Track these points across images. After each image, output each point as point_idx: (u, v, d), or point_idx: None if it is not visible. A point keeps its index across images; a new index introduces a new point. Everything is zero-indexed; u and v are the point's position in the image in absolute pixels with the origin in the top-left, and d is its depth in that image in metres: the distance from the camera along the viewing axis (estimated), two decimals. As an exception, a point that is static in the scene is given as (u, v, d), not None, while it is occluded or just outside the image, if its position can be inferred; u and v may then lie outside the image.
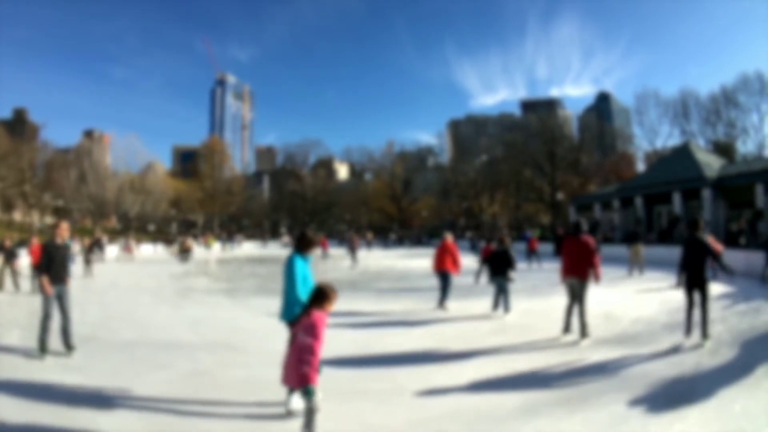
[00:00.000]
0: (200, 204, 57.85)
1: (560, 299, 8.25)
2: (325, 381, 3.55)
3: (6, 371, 4.62)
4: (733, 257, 12.13)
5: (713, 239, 5.72)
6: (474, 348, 5.44)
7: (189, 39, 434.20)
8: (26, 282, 11.70)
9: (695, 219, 5.85)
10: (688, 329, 5.60)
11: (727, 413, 3.44)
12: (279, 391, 3.94)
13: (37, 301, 9.08)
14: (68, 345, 5.31)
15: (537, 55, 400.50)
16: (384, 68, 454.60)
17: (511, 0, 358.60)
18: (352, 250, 20.16)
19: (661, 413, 3.45)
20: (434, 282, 8.60)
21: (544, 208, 47.44)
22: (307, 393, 2.83)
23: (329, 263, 20.37)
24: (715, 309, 6.29)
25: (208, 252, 32.34)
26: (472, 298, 9.31)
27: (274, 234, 55.30)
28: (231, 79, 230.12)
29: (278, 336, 6.22)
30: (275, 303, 8.80)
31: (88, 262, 15.60)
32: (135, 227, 50.46)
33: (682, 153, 24.92)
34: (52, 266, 5.27)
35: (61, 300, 5.36)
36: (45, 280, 5.21)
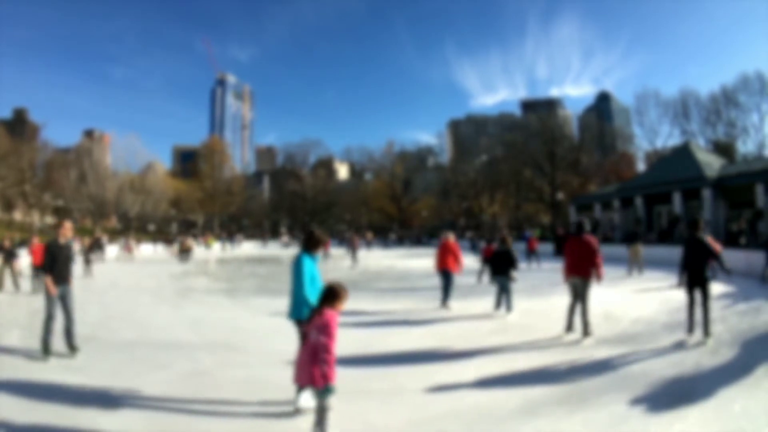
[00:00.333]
0: (200, 204, 57.86)
1: (560, 299, 8.27)
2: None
3: (6, 371, 4.62)
4: (733, 257, 12.12)
5: (711, 239, 5.79)
6: (475, 348, 5.44)
7: (189, 39, 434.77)
8: (26, 282, 11.71)
9: (695, 219, 5.90)
10: (691, 327, 5.68)
11: (727, 413, 3.44)
12: (279, 391, 3.95)
13: (37, 301, 9.12)
14: (72, 346, 5.23)
15: (537, 55, 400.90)
16: (384, 68, 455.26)
17: (511, 0, 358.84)
18: (353, 250, 20.18)
19: (661, 413, 3.45)
20: (434, 282, 8.61)
21: (544, 208, 47.45)
22: (328, 391, 2.88)
23: (329, 263, 20.36)
24: (715, 309, 6.30)
25: (208, 252, 32.35)
26: (473, 297, 9.32)
27: (274, 234, 55.26)
28: (231, 79, 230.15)
29: (278, 336, 6.24)
30: (275, 303, 8.87)
31: (87, 262, 15.61)
32: (135, 227, 50.49)
33: (682, 153, 24.91)
34: (55, 266, 5.20)
35: (65, 301, 5.29)
36: (49, 280, 5.13)
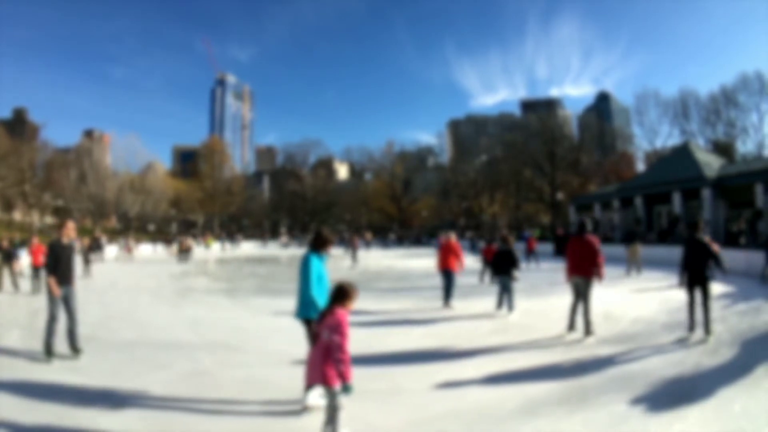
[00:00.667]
0: (200, 204, 57.84)
1: (559, 299, 8.28)
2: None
3: (6, 371, 4.62)
4: (733, 257, 12.14)
5: (710, 240, 5.90)
6: (474, 348, 5.45)
7: (189, 39, 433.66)
8: (26, 282, 11.71)
9: (695, 220, 6.09)
10: (692, 325, 5.78)
11: (727, 413, 3.44)
12: (279, 391, 3.96)
13: (36, 302, 9.13)
14: (75, 348, 5.16)
15: (537, 55, 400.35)
16: (384, 68, 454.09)
17: (511, 0, 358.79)
18: (352, 250, 20.20)
19: (661, 413, 3.45)
20: (434, 282, 8.62)
21: (544, 208, 47.47)
22: (347, 390, 2.89)
23: (329, 263, 20.30)
24: (715, 309, 6.32)
25: (207, 252, 32.34)
26: (473, 297, 9.32)
27: (274, 234, 55.27)
28: (231, 79, 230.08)
29: (278, 336, 6.25)
30: (275, 303, 8.87)
31: (87, 262, 15.60)
32: (135, 227, 50.48)
33: (682, 153, 24.91)
34: (58, 267, 5.11)
35: (68, 302, 5.20)
36: (53, 281, 5.05)
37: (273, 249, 39.11)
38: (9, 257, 11.42)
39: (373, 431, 3.28)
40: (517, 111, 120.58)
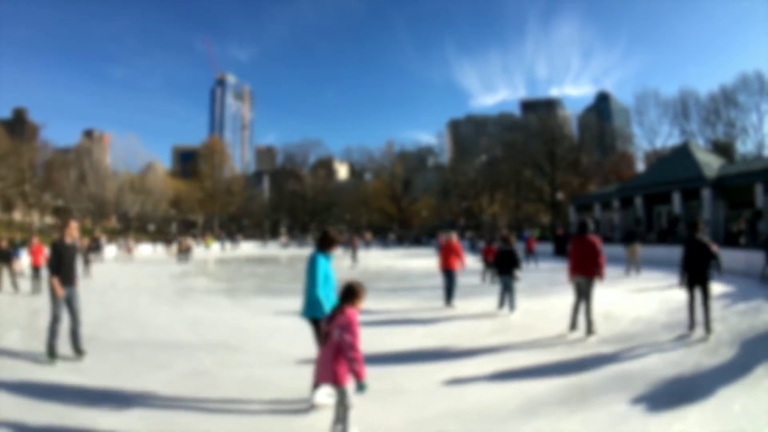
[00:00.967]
0: (200, 204, 57.78)
1: (559, 299, 8.29)
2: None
3: (6, 371, 4.61)
4: (732, 257, 12.15)
5: (708, 240, 5.96)
6: (474, 347, 5.45)
7: (189, 39, 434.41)
8: (26, 282, 11.70)
9: (695, 221, 6.11)
10: (692, 324, 5.84)
11: (727, 413, 3.44)
12: (279, 391, 3.96)
13: (36, 302, 9.13)
14: (78, 349, 5.11)
15: (537, 55, 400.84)
16: (384, 68, 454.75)
17: (511, 0, 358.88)
18: (352, 250, 20.21)
19: (661, 413, 3.45)
20: (434, 282, 8.63)
21: (544, 208, 47.46)
22: (362, 388, 2.89)
23: (329, 263, 20.33)
24: (715, 309, 6.33)
25: (207, 252, 32.32)
26: (473, 297, 9.32)
27: (274, 234, 55.26)
28: (231, 79, 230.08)
29: (278, 336, 6.26)
30: (275, 303, 8.87)
31: (86, 262, 15.59)
32: (135, 227, 50.45)
33: (682, 153, 24.90)
34: (62, 267, 5.06)
35: (71, 302, 5.14)
36: (56, 281, 4.99)
37: (273, 249, 39.10)
38: (8, 257, 11.42)
39: (373, 431, 3.28)
40: (517, 111, 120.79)
